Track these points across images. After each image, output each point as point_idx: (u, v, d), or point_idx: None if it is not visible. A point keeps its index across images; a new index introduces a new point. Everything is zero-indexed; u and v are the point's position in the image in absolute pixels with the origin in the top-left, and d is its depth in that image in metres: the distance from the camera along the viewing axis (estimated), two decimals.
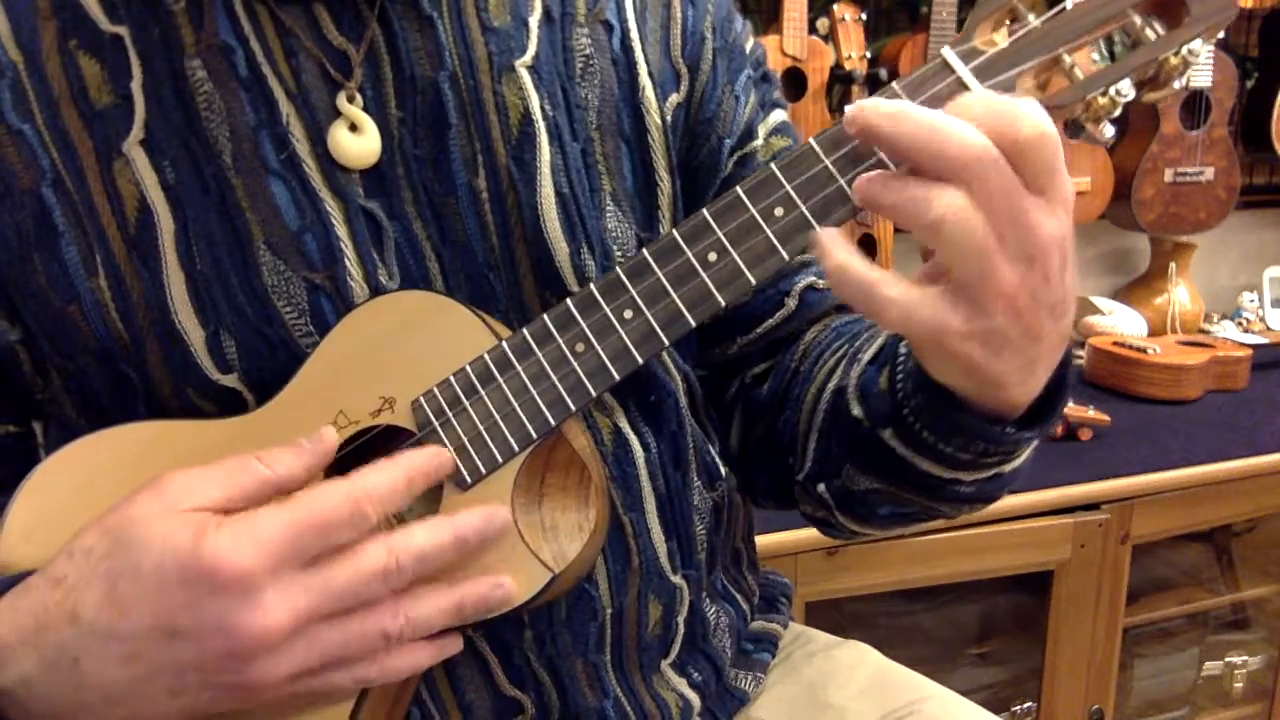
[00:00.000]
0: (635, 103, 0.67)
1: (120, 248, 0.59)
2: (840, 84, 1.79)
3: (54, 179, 0.59)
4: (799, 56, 1.70)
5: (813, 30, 1.73)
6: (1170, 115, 1.98)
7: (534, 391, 0.57)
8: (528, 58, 0.64)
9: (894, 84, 0.53)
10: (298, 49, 0.60)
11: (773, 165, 0.53)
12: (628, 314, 0.56)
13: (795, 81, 1.71)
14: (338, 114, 0.60)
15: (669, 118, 0.68)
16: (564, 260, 0.63)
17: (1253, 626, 1.88)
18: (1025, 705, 1.60)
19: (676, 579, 0.70)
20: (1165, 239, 2.09)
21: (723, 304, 0.55)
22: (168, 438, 0.59)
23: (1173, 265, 2.08)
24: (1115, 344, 1.86)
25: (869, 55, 1.77)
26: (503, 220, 0.63)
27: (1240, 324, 2.17)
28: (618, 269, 0.56)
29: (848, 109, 0.50)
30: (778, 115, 0.76)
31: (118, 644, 0.48)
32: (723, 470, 0.76)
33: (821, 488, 0.69)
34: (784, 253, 0.54)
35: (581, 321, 0.56)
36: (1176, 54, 0.53)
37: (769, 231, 0.54)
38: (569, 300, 0.56)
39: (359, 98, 0.60)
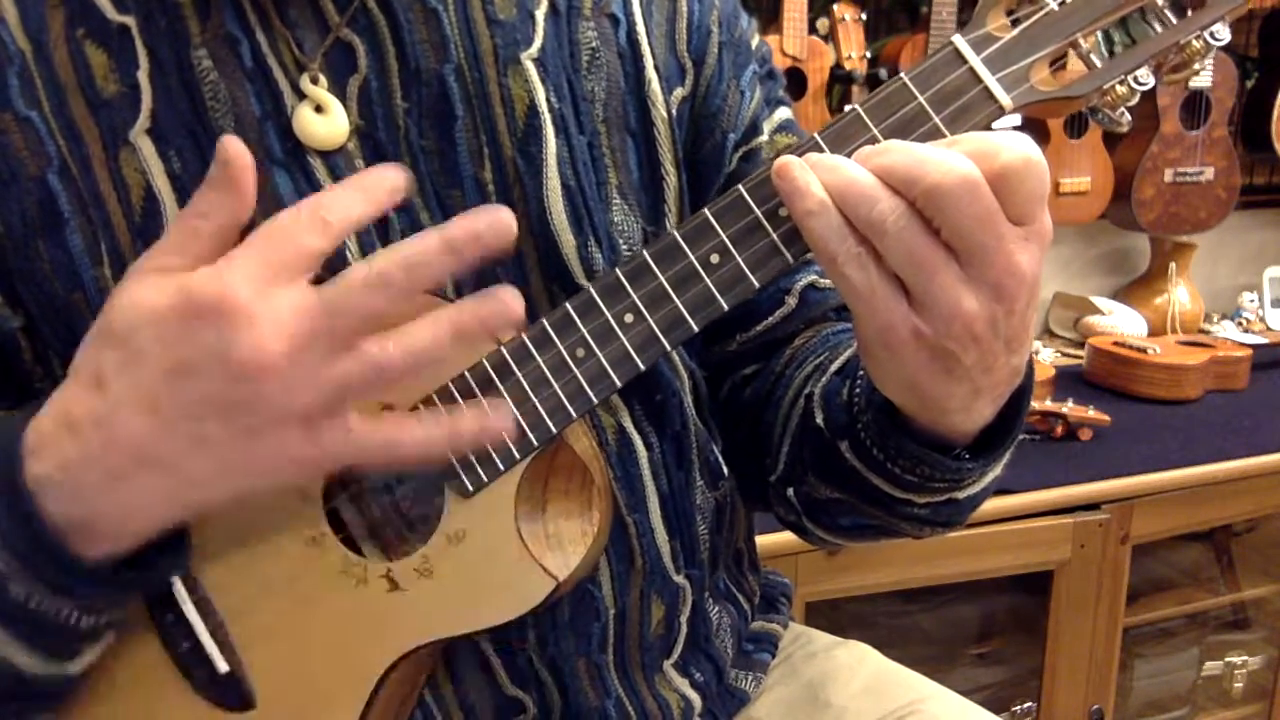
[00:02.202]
0: (641, 96, 0.67)
1: (125, 236, 0.59)
2: (840, 84, 1.79)
3: (60, 166, 0.59)
4: (799, 56, 1.70)
5: (813, 30, 1.73)
6: (1170, 115, 1.98)
7: (535, 399, 0.56)
8: (533, 50, 0.64)
9: (902, 75, 0.51)
10: (303, 40, 0.60)
11: (777, 163, 0.52)
12: (629, 318, 0.55)
13: (795, 81, 1.72)
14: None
15: (674, 111, 0.68)
16: (571, 253, 0.63)
17: (1253, 626, 1.88)
18: (1025, 705, 1.60)
19: (679, 579, 0.70)
20: (1165, 239, 2.09)
21: (725, 308, 0.54)
22: None
23: (1173, 265, 2.08)
24: (1115, 344, 1.86)
25: (869, 55, 1.77)
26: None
27: (1240, 324, 2.17)
28: (617, 271, 0.54)
29: (779, 162, 0.50)
30: (783, 113, 0.76)
31: (137, 393, 0.47)
32: (725, 470, 0.76)
33: (790, 492, 0.70)
34: (788, 255, 0.53)
35: (581, 326, 0.55)
36: (1199, 37, 0.50)
37: (774, 234, 0.53)
38: (568, 303, 0.55)
39: (322, 78, 0.60)
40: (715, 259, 0.53)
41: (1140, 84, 0.51)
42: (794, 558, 1.35)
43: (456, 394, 0.56)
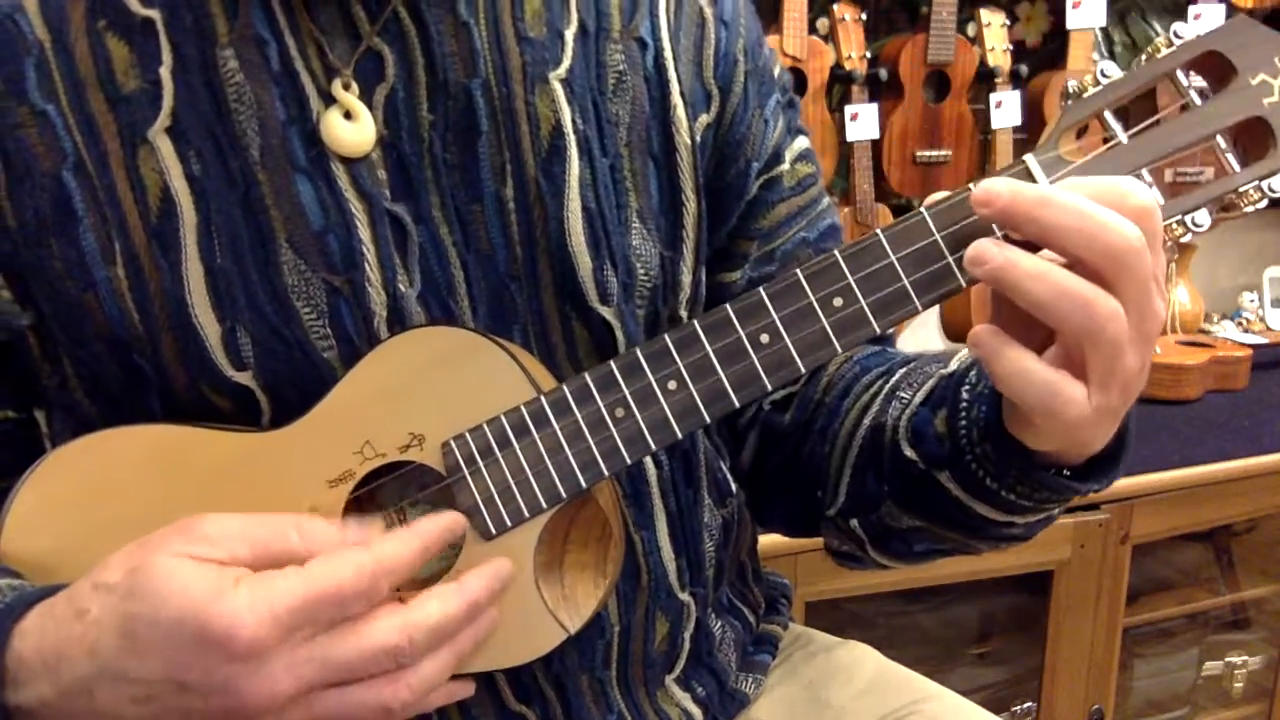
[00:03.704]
0: (666, 121, 0.66)
1: (140, 237, 0.58)
2: (840, 84, 1.79)
3: (75, 163, 0.58)
4: (799, 56, 1.70)
5: (813, 30, 1.73)
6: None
7: (569, 452, 0.56)
8: (562, 70, 0.64)
9: (971, 186, 0.51)
10: (332, 46, 0.60)
11: (837, 253, 0.53)
12: (671, 385, 0.55)
13: (795, 81, 1.71)
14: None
15: (698, 138, 0.68)
16: (587, 275, 0.63)
17: (1253, 626, 1.88)
18: (1025, 705, 1.60)
19: (684, 596, 0.70)
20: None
21: (769, 389, 0.54)
22: (183, 444, 0.58)
23: (1173, 265, 2.08)
24: None
25: (869, 55, 1.77)
26: (528, 231, 0.62)
27: (1240, 324, 2.17)
28: (666, 337, 0.55)
29: (977, 188, 0.49)
30: (802, 141, 0.76)
31: (130, 685, 0.49)
32: (733, 487, 0.76)
33: (855, 523, 0.69)
34: (838, 345, 0.53)
35: (624, 387, 0.55)
36: (1257, 187, 0.52)
37: (825, 322, 0.53)
38: (612, 362, 0.55)
39: (354, 85, 0.60)
40: (765, 339, 0.54)
41: (1197, 225, 0.52)
42: (794, 558, 1.35)
43: (490, 436, 0.56)
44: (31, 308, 0.60)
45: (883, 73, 1.78)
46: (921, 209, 0.52)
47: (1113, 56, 0.53)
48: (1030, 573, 1.51)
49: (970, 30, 1.83)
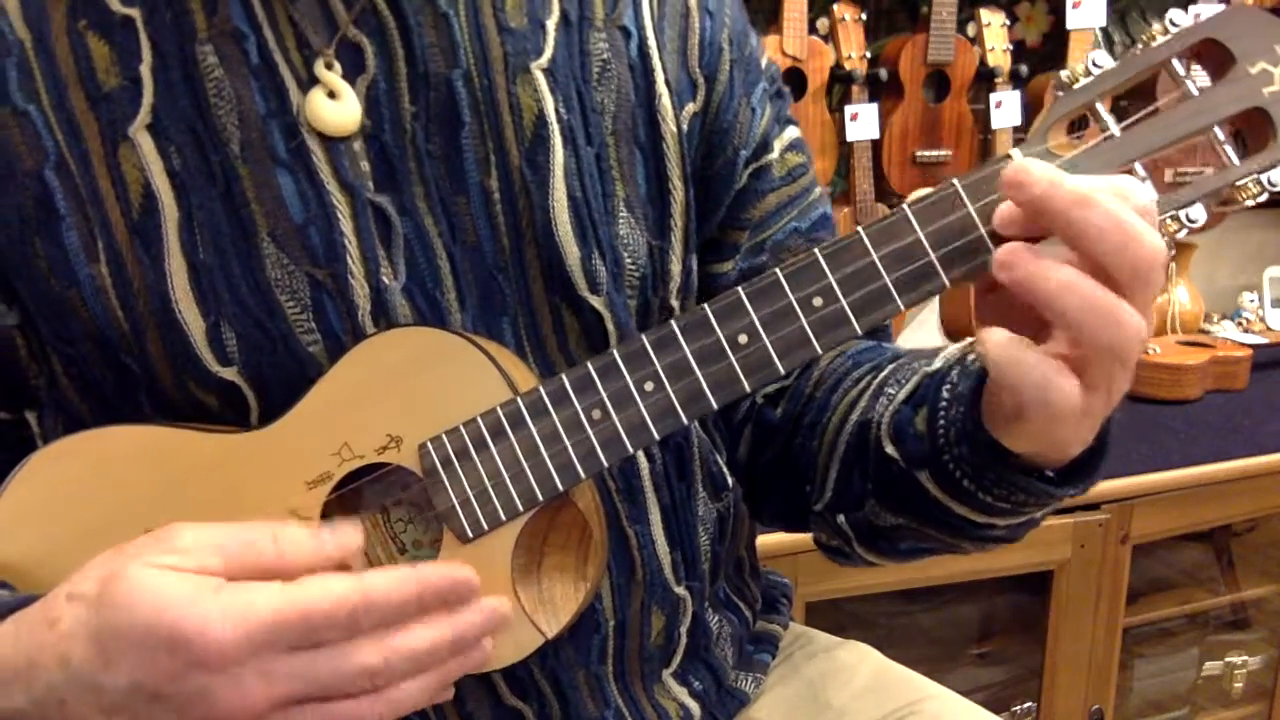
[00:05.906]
0: (651, 110, 0.66)
1: (123, 234, 0.58)
2: (840, 84, 1.79)
3: (57, 162, 0.58)
4: (799, 56, 1.70)
5: (813, 30, 1.73)
6: None
7: (545, 454, 0.55)
8: (544, 60, 0.64)
9: (954, 181, 0.50)
10: (310, 39, 0.60)
11: (817, 251, 0.52)
12: (649, 386, 0.54)
13: (795, 81, 1.71)
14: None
15: (684, 126, 0.68)
16: (574, 264, 0.63)
17: (1253, 626, 1.88)
18: (1025, 705, 1.60)
19: (680, 590, 0.70)
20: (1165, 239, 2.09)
21: (748, 390, 0.54)
22: (163, 446, 0.58)
23: (1173, 265, 2.08)
24: None
25: (869, 55, 1.77)
26: (514, 222, 0.62)
27: (1240, 324, 2.17)
28: (644, 337, 0.54)
29: (1010, 165, 0.47)
30: (792, 131, 0.76)
31: (102, 695, 0.48)
32: (729, 480, 0.76)
33: (841, 519, 0.69)
34: (818, 346, 0.52)
35: (601, 389, 0.54)
36: (1255, 180, 0.50)
37: (804, 322, 0.52)
38: (589, 363, 0.55)
39: (337, 65, 0.60)
40: (743, 339, 0.53)
41: (1192, 221, 0.50)
42: (794, 558, 1.35)
43: (467, 438, 0.56)
44: (17, 307, 0.60)
45: (883, 73, 1.78)
46: (904, 206, 0.51)
47: (1113, 56, 0.53)
48: (1030, 573, 1.51)
49: (970, 30, 1.83)
